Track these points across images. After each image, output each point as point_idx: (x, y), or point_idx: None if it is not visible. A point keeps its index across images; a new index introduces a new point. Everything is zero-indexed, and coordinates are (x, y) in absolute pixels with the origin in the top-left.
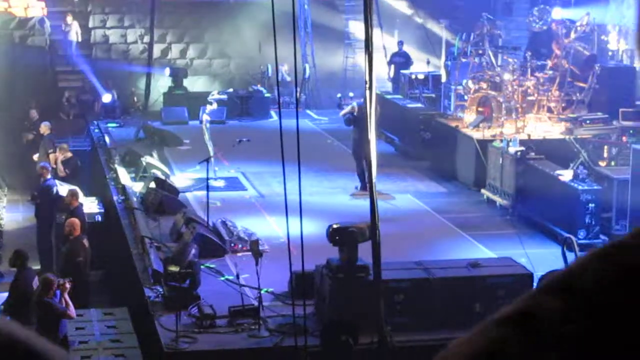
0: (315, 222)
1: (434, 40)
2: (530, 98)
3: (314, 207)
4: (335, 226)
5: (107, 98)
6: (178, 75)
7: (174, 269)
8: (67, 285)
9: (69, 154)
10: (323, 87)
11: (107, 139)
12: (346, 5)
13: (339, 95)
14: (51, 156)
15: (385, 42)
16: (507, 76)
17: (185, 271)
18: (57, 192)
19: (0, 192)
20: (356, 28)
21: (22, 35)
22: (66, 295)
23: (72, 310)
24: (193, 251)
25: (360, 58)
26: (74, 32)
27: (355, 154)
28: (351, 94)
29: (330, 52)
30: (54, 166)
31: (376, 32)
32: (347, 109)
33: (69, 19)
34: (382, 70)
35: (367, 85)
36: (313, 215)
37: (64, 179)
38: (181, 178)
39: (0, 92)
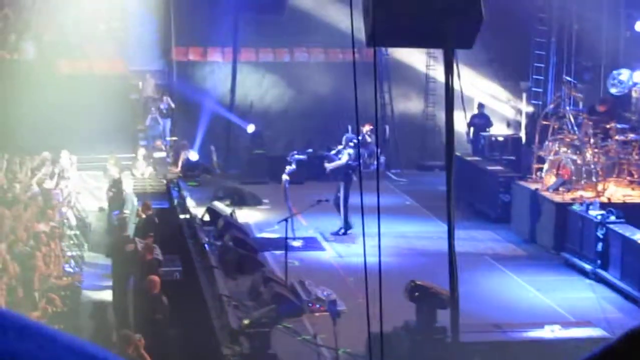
0: (392, 283)
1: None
2: (610, 161)
3: (391, 268)
4: (417, 282)
5: (193, 156)
6: (260, 134)
7: (246, 322)
8: (142, 341)
9: (150, 212)
10: (402, 149)
11: (186, 197)
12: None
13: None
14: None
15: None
16: (587, 139)
17: (259, 330)
18: (134, 248)
19: (80, 250)
20: (437, 74)
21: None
22: (143, 351)
23: None
24: (272, 313)
25: (440, 117)
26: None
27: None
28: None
29: (410, 102)
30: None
31: (456, 86)
32: (343, 159)
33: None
34: (461, 127)
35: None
36: (390, 275)
37: (141, 235)
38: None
39: (83, 149)
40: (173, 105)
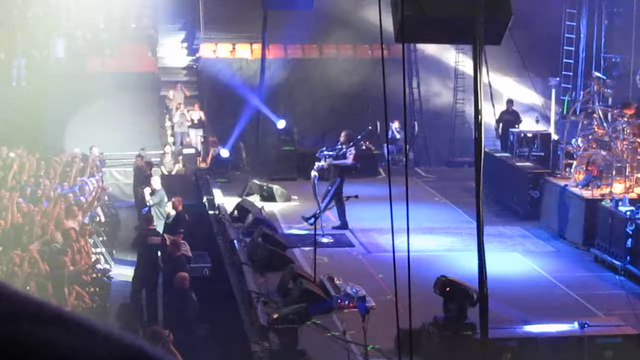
0: (421, 279)
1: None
2: None
3: (420, 265)
4: (448, 278)
5: (224, 153)
6: (289, 131)
7: (275, 316)
8: (172, 337)
9: (180, 208)
10: (431, 145)
11: (215, 193)
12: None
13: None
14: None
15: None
16: (616, 135)
17: (288, 326)
18: (162, 244)
19: (109, 246)
20: (466, 70)
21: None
22: (172, 347)
23: None
24: (302, 311)
25: (469, 113)
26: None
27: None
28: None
29: (439, 98)
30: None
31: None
32: (350, 159)
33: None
34: (490, 123)
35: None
36: (418, 272)
37: (171, 232)
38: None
39: (113, 146)
40: (204, 118)
